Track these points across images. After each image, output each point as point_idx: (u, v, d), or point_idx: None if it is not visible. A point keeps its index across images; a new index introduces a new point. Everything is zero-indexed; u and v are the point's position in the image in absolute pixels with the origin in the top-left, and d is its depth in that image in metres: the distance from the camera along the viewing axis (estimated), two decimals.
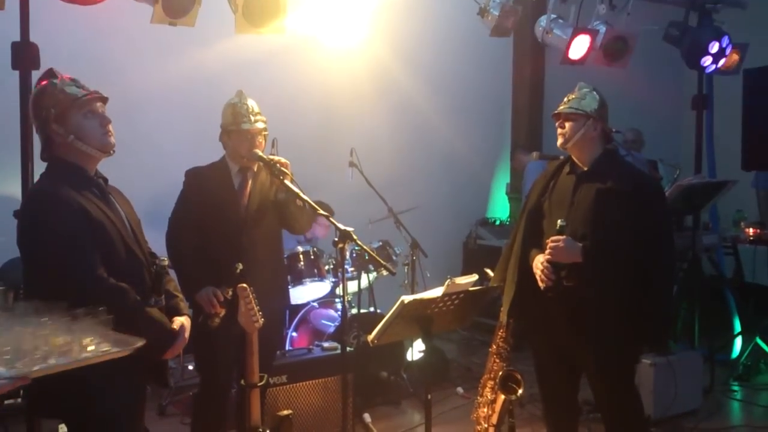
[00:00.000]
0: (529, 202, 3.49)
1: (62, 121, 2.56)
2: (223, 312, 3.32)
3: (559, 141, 3.37)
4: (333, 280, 5.29)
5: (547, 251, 3.21)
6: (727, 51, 5.25)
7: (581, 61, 4.93)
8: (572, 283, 3.21)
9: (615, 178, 3.28)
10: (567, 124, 3.32)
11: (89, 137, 2.58)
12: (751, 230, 6.37)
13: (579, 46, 4.87)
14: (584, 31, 4.86)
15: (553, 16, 4.99)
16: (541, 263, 3.24)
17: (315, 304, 5.33)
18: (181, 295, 2.91)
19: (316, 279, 5.13)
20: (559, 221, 3.20)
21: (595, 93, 3.38)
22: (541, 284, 3.25)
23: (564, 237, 3.19)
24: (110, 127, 2.64)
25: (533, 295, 3.33)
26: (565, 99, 3.41)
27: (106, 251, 2.52)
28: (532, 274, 3.33)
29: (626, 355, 3.36)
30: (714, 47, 5.16)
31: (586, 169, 3.35)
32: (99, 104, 2.65)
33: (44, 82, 2.63)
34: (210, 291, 3.33)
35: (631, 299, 3.22)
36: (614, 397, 3.36)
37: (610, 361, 3.28)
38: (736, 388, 5.44)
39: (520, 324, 3.45)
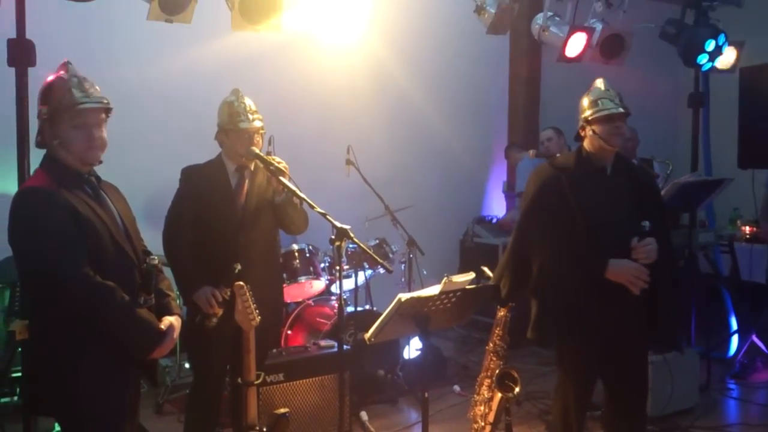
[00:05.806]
0: (560, 209, 3.27)
1: (52, 124, 2.55)
2: (220, 312, 3.31)
3: (618, 141, 3.34)
4: (328, 277, 5.29)
5: (644, 254, 3.17)
6: (724, 49, 5.24)
7: (578, 58, 4.94)
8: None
9: (635, 174, 3.38)
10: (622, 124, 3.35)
11: (72, 148, 2.56)
12: (747, 228, 6.37)
13: (575, 44, 4.87)
14: (581, 28, 4.86)
15: (550, 13, 4.99)
16: (636, 269, 3.16)
17: (310, 301, 5.33)
18: (173, 294, 2.89)
19: (312, 277, 5.13)
20: (643, 223, 3.18)
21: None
22: (636, 290, 3.18)
23: (652, 238, 3.19)
24: (98, 141, 2.59)
25: (595, 304, 3.25)
26: (612, 96, 3.42)
27: (93, 250, 2.51)
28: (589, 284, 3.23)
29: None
30: (710, 45, 5.15)
31: (609, 168, 3.36)
32: (100, 116, 2.60)
33: (52, 79, 2.59)
34: (208, 291, 3.32)
35: (671, 290, 3.35)
36: (643, 391, 3.42)
37: (645, 354, 3.39)
38: (732, 386, 5.45)
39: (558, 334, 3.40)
